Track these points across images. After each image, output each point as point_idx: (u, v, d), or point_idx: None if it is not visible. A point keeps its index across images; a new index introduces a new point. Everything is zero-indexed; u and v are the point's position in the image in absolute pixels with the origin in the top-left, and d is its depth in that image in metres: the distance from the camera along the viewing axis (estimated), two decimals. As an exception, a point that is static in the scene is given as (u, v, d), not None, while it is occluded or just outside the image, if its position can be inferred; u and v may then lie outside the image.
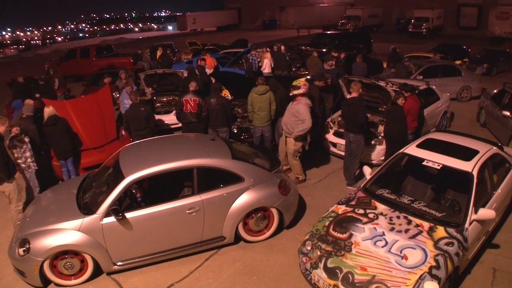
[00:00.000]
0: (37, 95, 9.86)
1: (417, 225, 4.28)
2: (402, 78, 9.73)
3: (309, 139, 6.75)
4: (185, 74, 10.21)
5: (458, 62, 14.62)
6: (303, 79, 6.64)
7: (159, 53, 16.55)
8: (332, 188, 6.83)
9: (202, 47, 21.82)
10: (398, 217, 4.43)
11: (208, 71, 11.60)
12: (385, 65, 14.27)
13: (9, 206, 5.73)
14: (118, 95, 9.71)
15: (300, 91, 6.40)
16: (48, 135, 6.60)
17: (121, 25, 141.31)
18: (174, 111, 8.45)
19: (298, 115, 6.32)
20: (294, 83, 6.52)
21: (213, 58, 12.96)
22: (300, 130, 6.32)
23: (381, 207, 4.63)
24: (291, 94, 6.50)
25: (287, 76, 10.92)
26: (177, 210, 4.71)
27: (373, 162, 7.30)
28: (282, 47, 13.04)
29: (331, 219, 4.57)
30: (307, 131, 6.38)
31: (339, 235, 4.30)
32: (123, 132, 7.91)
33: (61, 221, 4.50)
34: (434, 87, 9.21)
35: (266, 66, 12.27)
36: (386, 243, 4.08)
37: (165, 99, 10.33)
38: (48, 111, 6.54)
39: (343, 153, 7.12)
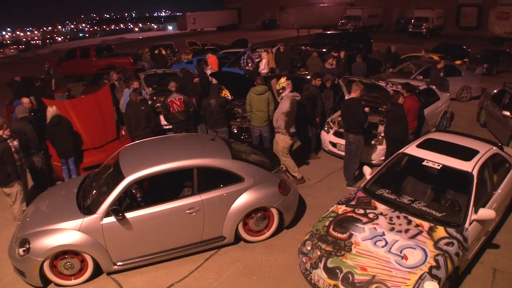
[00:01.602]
0: (31, 97, 9.80)
1: (417, 225, 4.27)
2: (443, 87, 9.37)
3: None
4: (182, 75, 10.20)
5: (458, 62, 14.60)
6: (283, 79, 6.80)
7: (157, 52, 16.58)
8: (332, 188, 6.83)
9: (202, 47, 21.81)
10: (398, 217, 4.43)
11: (210, 71, 11.61)
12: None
13: (10, 206, 5.72)
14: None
15: (287, 91, 6.62)
16: (52, 134, 6.62)
17: (121, 25, 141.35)
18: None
19: (282, 108, 6.50)
20: (278, 87, 6.77)
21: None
22: (284, 123, 6.45)
23: (381, 207, 4.63)
24: (279, 97, 6.75)
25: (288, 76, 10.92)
26: (177, 210, 4.71)
27: (373, 162, 7.30)
28: (282, 47, 13.12)
29: (331, 219, 4.57)
30: (290, 119, 6.51)
31: (339, 235, 4.30)
32: (123, 132, 7.91)
33: (61, 221, 4.50)
34: (434, 87, 9.21)
35: (264, 66, 12.26)
36: (386, 243, 4.08)
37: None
38: (52, 111, 6.58)
39: (343, 153, 7.12)
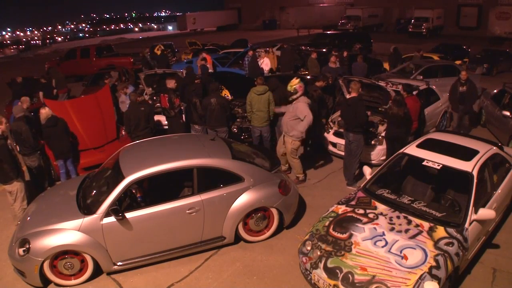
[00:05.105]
0: (41, 93, 9.88)
1: (417, 225, 4.28)
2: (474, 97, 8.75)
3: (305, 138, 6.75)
4: (184, 74, 10.20)
5: (458, 62, 14.61)
6: (295, 80, 6.51)
7: (158, 52, 16.52)
8: (332, 188, 6.83)
9: (202, 47, 21.81)
10: (398, 217, 4.43)
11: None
12: (385, 65, 14.19)
13: (10, 205, 5.73)
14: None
15: (299, 94, 6.39)
16: (48, 136, 6.57)
17: (121, 25, 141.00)
18: None
19: (298, 113, 6.32)
20: (289, 88, 6.45)
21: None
22: (303, 127, 6.29)
23: (381, 207, 4.63)
24: (290, 99, 6.47)
25: (287, 76, 10.92)
26: (177, 210, 4.71)
27: (373, 162, 7.30)
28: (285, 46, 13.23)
29: (331, 219, 4.57)
30: (310, 125, 6.37)
31: (339, 235, 4.30)
32: (123, 132, 7.91)
33: (61, 221, 4.50)
34: (434, 87, 9.21)
35: (264, 66, 12.27)
36: (386, 243, 4.08)
37: None
38: (45, 112, 6.51)
39: (343, 153, 7.12)
